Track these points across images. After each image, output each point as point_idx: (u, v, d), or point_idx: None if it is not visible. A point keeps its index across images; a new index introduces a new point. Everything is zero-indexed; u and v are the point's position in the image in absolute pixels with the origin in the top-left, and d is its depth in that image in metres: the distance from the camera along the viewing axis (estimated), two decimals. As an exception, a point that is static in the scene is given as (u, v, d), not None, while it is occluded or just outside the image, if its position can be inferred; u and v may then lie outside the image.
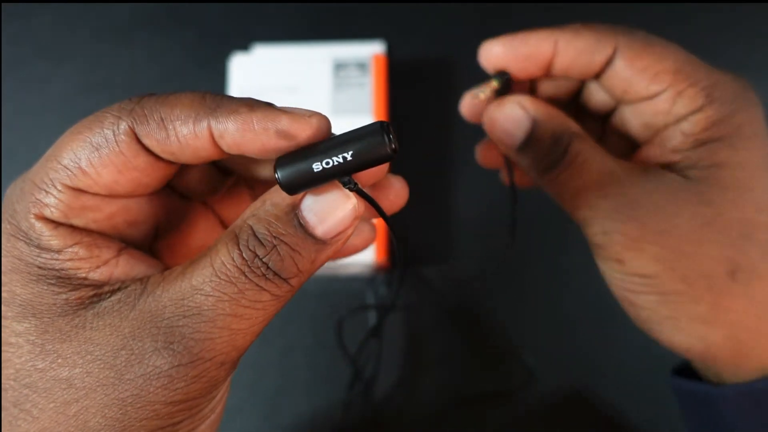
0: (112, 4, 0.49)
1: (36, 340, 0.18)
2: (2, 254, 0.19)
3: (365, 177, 0.21)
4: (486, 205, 0.44)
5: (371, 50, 0.42)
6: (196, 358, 0.18)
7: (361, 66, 0.41)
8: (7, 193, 0.20)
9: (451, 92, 0.46)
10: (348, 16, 0.48)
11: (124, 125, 0.18)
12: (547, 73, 0.27)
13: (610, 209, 0.25)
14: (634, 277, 0.25)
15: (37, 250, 0.19)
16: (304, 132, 0.18)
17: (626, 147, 0.29)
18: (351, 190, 0.19)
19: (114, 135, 0.18)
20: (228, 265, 0.18)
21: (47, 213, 0.19)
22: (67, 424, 0.18)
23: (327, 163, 0.18)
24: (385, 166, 0.21)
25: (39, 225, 0.19)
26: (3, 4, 0.49)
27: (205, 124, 0.18)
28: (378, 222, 0.39)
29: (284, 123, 0.18)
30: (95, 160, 0.18)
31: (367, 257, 0.38)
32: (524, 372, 0.41)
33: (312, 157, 0.18)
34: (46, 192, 0.19)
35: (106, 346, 0.18)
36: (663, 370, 0.30)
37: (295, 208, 0.18)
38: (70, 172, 0.19)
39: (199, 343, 0.18)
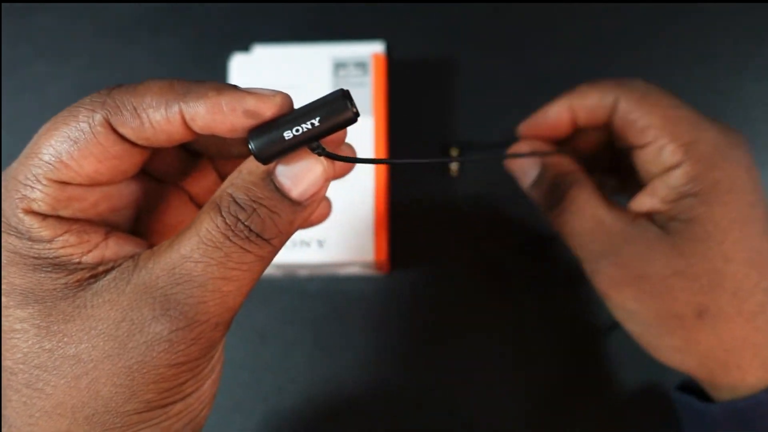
0: (112, 4, 0.49)
1: (41, 324, 0.19)
2: None
3: (329, 143, 0.22)
4: (486, 205, 0.44)
5: (371, 50, 0.42)
6: (192, 322, 0.19)
7: (361, 65, 0.41)
8: None
9: (451, 92, 0.46)
10: (348, 16, 0.48)
11: (98, 117, 0.20)
12: (576, 128, 0.33)
13: (597, 253, 0.30)
14: (619, 309, 0.30)
15: (30, 242, 0.20)
16: (269, 110, 0.20)
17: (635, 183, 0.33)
18: (320, 154, 0.20)
19: (90, 127, 0.20)
20: (213, 232, 0.19)
21: (35, 207, 0.20)
22: (80, 396, 0.19)
23: (297, 131, 0.19)
24: (344, 132, 0.23)
25: (28, 219, 0.20)
26: (3, 4, 0.49)
27: (176, 108, 0.19)
28: (378, 222, 0.39)
29: (250, 103, 0.19)
30: (75, 152, 0.20)
31: (366, 257, 0.38)
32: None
33: (282, 127, 0.19)
34: (32, 187, 0.20)
35: (107, 320, 0.19)
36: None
37: (270, 174, 0.20)
38: (52, 167, 0.19)
39: (193, 308, 0.19)
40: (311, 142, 0.20)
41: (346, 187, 0.39)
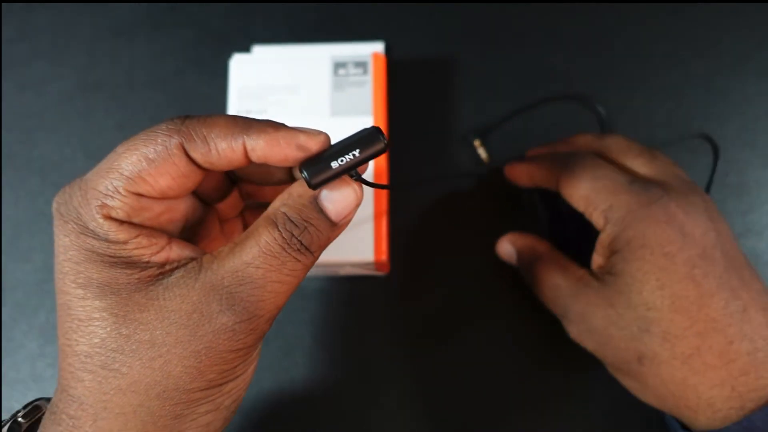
0: (111, 4, 0.49)
1: (119, 312, 0.22)
2: (72, 249, 0.23)
3: (361, 168, 0.27)
4: (487, 204, 0.44)
5: (371, 50, 0.42)
6: (252, 316, 0.23)
7: (361, 65, 0.41)
8: (61, 201, 0.24)
9: (451, 92, 0.46)
10: (348, 16, 0.48)
11: (175, 141, 0.23)
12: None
13: (559, 313, 0.35)
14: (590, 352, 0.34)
15: (107, 243, 0.23)
16: (315, 145, 0.24)
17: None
18: (356, 179, 0.25)
19: (167, 149, 0.23)
20: (272, 244, 0.23)
21: (113, 214, 0.23)
22: (153, 376, 0.22)
23: (341, 161, 0.24)
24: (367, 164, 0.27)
25: (107, 224, 0.23)
26: (3, 4, 0.49)
27: (240, 141, 0.24)
28: (377, 222, 0.39)
29: (302, 139, 0.24)
30: (152, 170, 0.23)
31: (366, 257, 0.38)
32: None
33: (329, 159, 0.24)
34: (112, 197, 0.23)
35: (179, 311, 0.22)
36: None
37: (315, 198, 0.25)
38: (132, 180, 0.23)
39: (253, 305, 0.23)
40: (351, 171, 0.24)
41: (346, 187, 0.39)
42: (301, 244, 0.24)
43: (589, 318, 0.33)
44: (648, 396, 0.32)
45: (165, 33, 0.48)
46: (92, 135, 0.46)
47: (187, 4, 0.49)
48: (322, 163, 0.24)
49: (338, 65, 0.41)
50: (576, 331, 0.34)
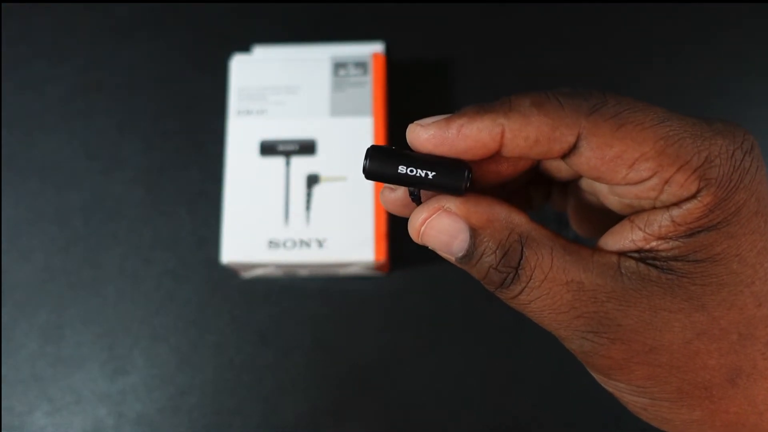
0: (111, 4, 0.49)
1: None
2: None
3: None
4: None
5: (371, 50, 0.42)
6: None
7: (361, 65, 0.41)
8: None
9: (450, 92, 0.46)
10: (348, 16, 0.48)
11: None
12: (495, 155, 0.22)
13: (586, 330, 0.22)
14: (621, 386, 0.23)
15: None
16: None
17: (596, 211, 0.26)
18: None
19: None
20: None
21: None
22: None
23: (411, 171, 0.21)
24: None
25: None
26: (3, 4, 0.49)
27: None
28: (377, 222, 0.39)
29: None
30: None
31: (366, 257, 0.38)
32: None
33: (402, 161, 0.21)
34: None
35: None
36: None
37: None
38: None
39: None
40: (415, 187, 0.21)
41: (346, 187, 0.39)
42: None
43: (657, 332, 0.21)
44: (712, 427, 0.23)
45: (165, 33, 0.48)
46: (92, 135, 0.46)
47: (187, 4, 0.49)
48: (391, 160, 0.21)
49: (338, 65, 0.41)
50: (619, 356, 0.22)
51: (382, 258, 0.38)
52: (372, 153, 0.21)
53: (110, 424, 0.41)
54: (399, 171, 0.21)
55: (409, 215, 0.23)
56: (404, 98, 0.44)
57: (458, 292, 0.42)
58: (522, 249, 0.22)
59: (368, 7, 0.48)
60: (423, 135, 0.22)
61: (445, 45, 0.47)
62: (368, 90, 0.41)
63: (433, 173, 0.20)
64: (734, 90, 0.45)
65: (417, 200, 0.22)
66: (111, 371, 0.42)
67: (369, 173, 0.21)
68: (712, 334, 0.22)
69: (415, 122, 0.22)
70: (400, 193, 0.23)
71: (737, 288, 0.22)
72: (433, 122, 0.22)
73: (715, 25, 0.46)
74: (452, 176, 0.20)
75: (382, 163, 0.21)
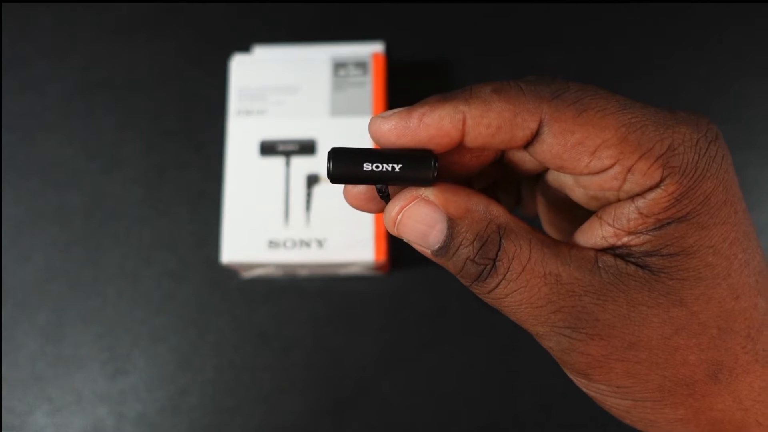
0: (111, 4, 0.49)
1: None
2: None
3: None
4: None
5: (371, 50, 0.42)
6: None
7: (361, 65, 0.41)
8: None
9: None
10: (348, 16, 0.48)
11: None
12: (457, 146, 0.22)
13: (563, 326, 0.21)
14: (600, 387, 0.23)
15: None
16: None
17: (565, 209, 0.26)
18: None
19: None
20: None
21: None
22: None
23: (377, 167, 0.20)
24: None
25: None
26: (3, 4, 0.49)
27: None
28: (378, 222, 0.39)
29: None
30: None
31: (366, 257, 0.38)
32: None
33: (366, 158, 0.20)
34: None
35: None
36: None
37: None
38: None
39: None
40: (382, 183, 0.21)
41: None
42: None
43: (637, 326, 0.21)
44: (698, 425, 0.23)
45: (165, 33, 0.48)
46: (92, 135, 0.46)
47: (187, 4, 0.49)
48: (357, 157, 0.20)
49: (338, 66, 0.41)
50: (597, 353, 0.21)
51: (382, 258, 0.38)
52: (335, 155, 0.20)
53: (110, 424, 0.41)
54: (365, 168, 0.20)
55: (375, 211, 0.23)
56: (404, 98, 0.44)
57: (458, 292, 0.42)
58: (500, 240, 0.21)
59: (368, 7, 0.48)
60: (384, 126, 0.21)
61: (445, 45, 0.47)
62: (368, 90, 0.41)
63: (400, 165, 0.20)
64: (734, 90, 0.45)
65: (386, 198, 0.21)
66: (111, 371, 0.42)
67: (334, 176, 0.20)
68: (691, 329, 0.21)
69: (375, 114, 0.22)
70: (363, 186, 0.23)
71: (714, 281, 0.21)
72: (395, 113, 0.22)
73: (715, 25, 0.46)
74: (419, 166, 0.20)
75: (347, 163, 0.20)
